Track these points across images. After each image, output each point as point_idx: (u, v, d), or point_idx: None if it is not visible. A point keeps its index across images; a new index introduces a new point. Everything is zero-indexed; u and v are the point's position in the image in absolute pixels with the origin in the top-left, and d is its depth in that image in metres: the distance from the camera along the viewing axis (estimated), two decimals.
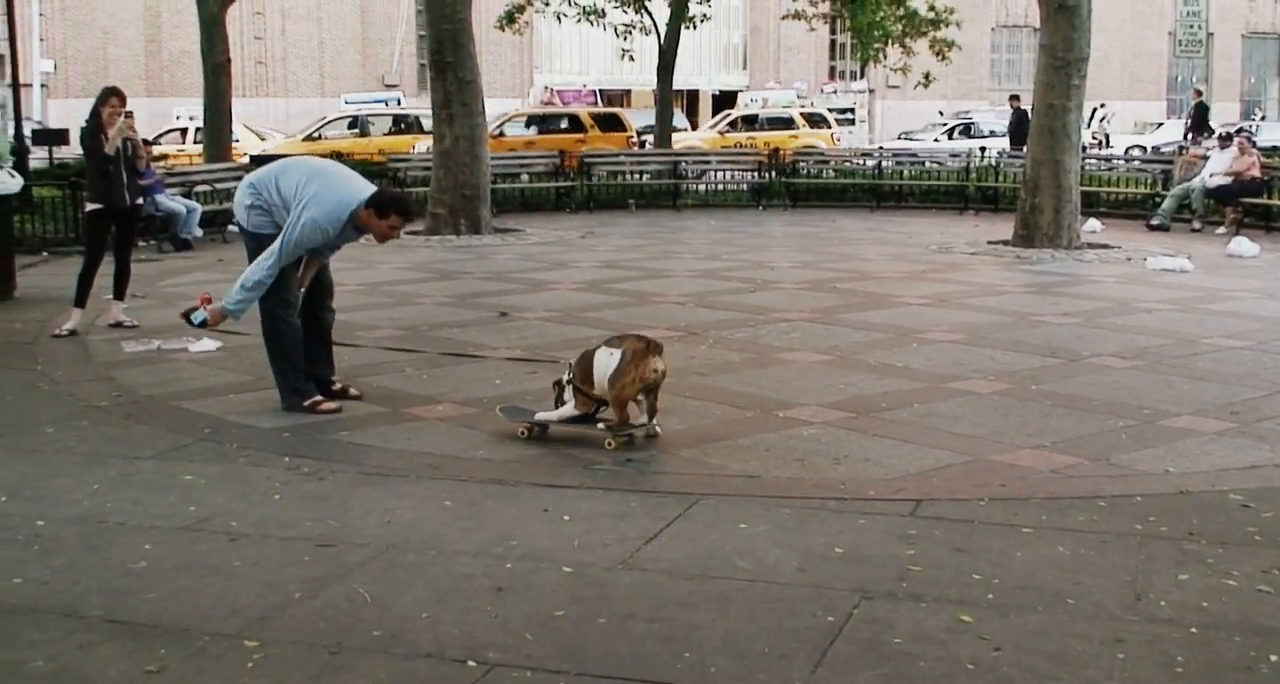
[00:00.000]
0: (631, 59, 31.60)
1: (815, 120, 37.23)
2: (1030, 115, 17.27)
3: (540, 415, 7.22)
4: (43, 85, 37.86)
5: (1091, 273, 14.70)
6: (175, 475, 6.52)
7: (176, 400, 8.22)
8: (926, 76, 26.53)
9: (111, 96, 10.76)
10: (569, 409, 7.13)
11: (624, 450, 6.90)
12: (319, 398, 7.85)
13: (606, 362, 6.89)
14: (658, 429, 7.14)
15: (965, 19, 30.52)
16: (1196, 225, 19.25)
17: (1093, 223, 18.81)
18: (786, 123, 36.74)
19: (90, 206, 10.98)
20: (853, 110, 43.64)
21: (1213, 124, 31.12)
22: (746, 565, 5.20)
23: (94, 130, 10.67)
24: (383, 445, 7.14)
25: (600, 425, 7.02)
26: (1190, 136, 29.73)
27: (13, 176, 13.17)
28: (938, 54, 27.30)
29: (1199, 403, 8.10)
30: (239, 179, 20.20)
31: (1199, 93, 32.19)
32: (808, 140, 33.83)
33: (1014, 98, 30.47)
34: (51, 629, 4.60)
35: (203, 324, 7.91)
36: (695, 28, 29.87)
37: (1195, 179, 19.62)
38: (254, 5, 44.99)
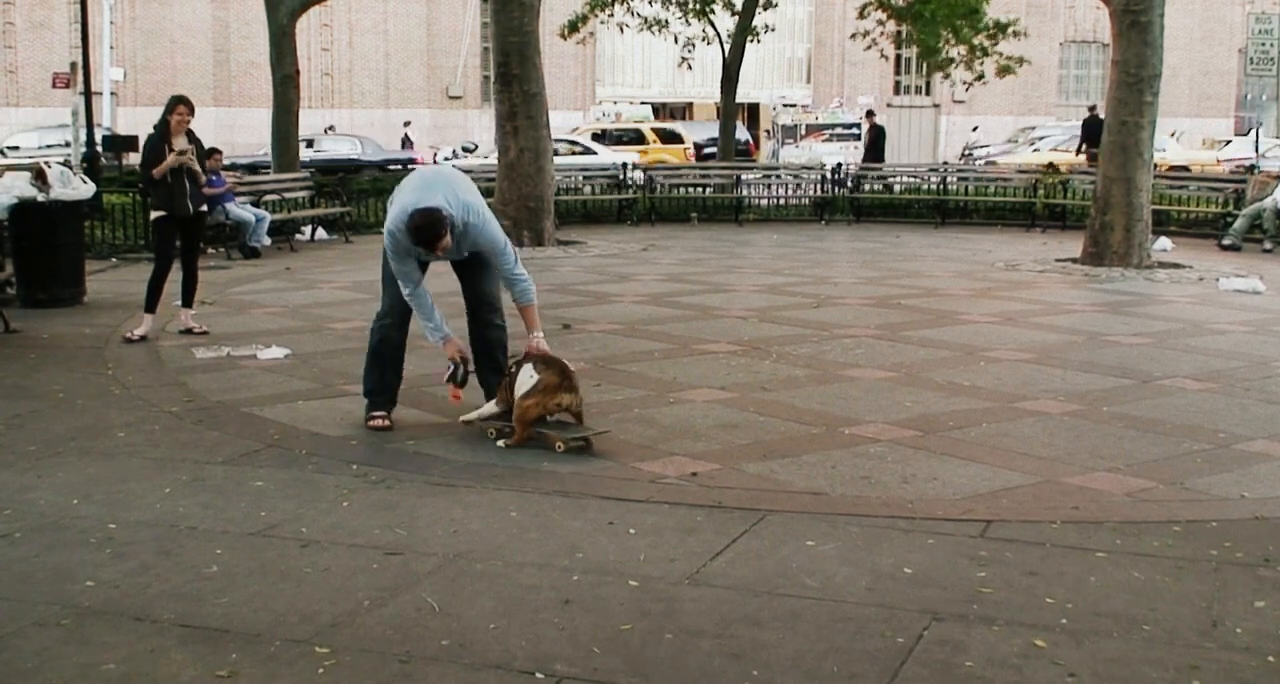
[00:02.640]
0: (690, 67, 31.53)
1: (667, 136, 36.43)
2: (1104, 131, 17.10)
3: (469, 415, 7.56)
4: (113, 93, 38.25)
5: (1163, 293, 14.53)
6: (246, 481, 6.58)
7: (246, 407, 8.29)
8: (1005, 69, 26.57)
9: (179, 104, 10.77)
10: (490, 407, 7.49)
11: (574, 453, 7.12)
12: (376, 413, 7.81)
13: (525, 380, 7.19)
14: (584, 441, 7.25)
15: (1033, 34, 30.40)
16: (1268, 246, 19.00)
17: (1163, 242, 18.62)
18: (636, 138, 35.95)
19: (154, 214, 11.03)
20: (858, 126, 43.47)
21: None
22: (814, 583, 5.17)
23: (158, 139, 10.70)
24: (448, 455, 7.16)
25: (500, 442, 7.30)
26: (1083, 150, 29.49)
27: (85, 183, 13.34)
28: (1004, 71, 27.20)
29: (1274, 427, 7.97)
30: (307, 188, 20.70)
31: (1092, 108, 31.86)
32: (657, 156, 33.26)
33: (870, 113, 30.56)
34: (123, 632, 4.64)
35: (454, 375, 7.66)
36: (759, 40, 29.81)
37: (1268, 199, 19.37)
38: (322, 18, 45.34)
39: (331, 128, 40.63)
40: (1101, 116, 31.43)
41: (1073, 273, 16.16)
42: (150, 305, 10.91)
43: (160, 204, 10.84)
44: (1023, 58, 27.15)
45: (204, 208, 11.40)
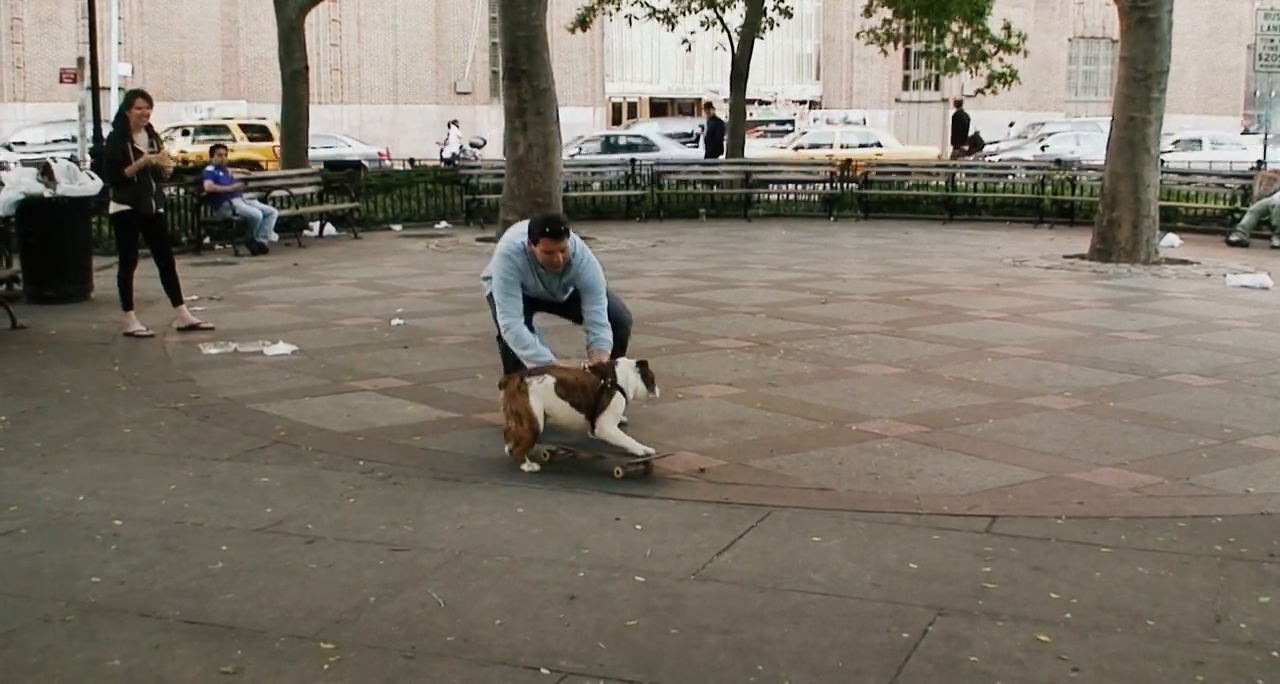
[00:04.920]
0: (689, 49, 31.32)
1: (255, 133, 35.19)
2: (1112, 127, 17.08)
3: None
4: (120, 89, 38.33)
5: (1170, 289, 14.52)
6: (251, 477, 6.59)
7: (253, 403, 8.30)
8: (994, 80, 26.42)
9: (137, 99, 10.70)
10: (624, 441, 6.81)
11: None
12: None
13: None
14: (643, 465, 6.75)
15: (1042, 29, 30.24)
16: (1276, 242, 18.93)
17: (1171, 238, 18.58)
18: (221, 134, 34.13)
19: (115, 208, 10.89)
20: (792, 121, 44.23)
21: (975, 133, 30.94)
22: (820, 579, 5.17)
23: (120, 137, 10.65)
24: (455, 450, 7.17)
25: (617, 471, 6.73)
26: (952, 148, 29.33)
27: (92, 179, 13.36)
28: (996, 80, 27.02)
29: None
30: (316, 184, 20.72)
31: (959, 103, 31.68)
32: (242, 154, 32.01)
33: (708, 106, 30.58)
34: (129, 628, 4.65)
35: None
36: (766, 32, 29.68)
37: (1276, 195, 19.32)
38: (330, 13, 45.35)
39: (454, 122, 40.53)
40: (967, 112, 31.43)
41: (1080, 269, 16.13)
42: (125, 303, 10.90)
43: (126, 200, 10.75)
44: (1016, 72, 26.93)
45: (161, 209, 11.31)
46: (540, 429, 6.73)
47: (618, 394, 6.75)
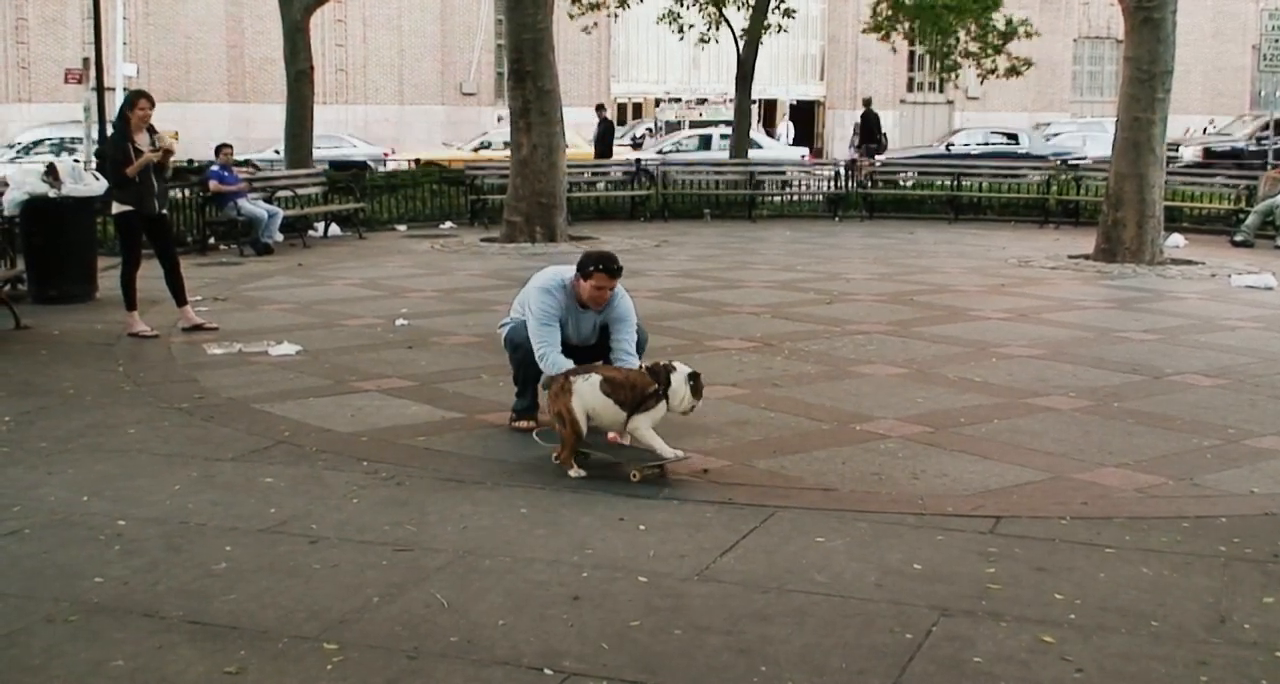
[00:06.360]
0: (705, 41, 31.18)
1: None
2: (1116, 128, 17.07)
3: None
4: (125, 89, 38.31)
5: (1174, 289, 14.50)
6: (255, 478, 6.59)
7: (257, 403, 8.30)
8: (1008, 73, 26.58)
9: (140, 99, 10.74)
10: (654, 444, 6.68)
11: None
12: (515, 417, 7.69)
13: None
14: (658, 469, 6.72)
15: (1047, 30, 30.32)
16: None
17: (1176, 238, 18.55)
18: None
19: (118, 208, 10.89)
20: None
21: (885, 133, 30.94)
22: (823, 579, 5.17)
23: (121, 137, 10.67)
24: (459, 451, 7.17)
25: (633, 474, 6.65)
26: (859, 147, 29.26)
27: (97, 179, 13.37)
28: (1011, 71, 27.10)
29: None
30: (321, 185, 20.70)
31: (867, 102, 31.58)
32: None
33: (600, 107, 30.48)
34: (132, 629, 4.65)
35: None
36: (778, 32, 29.66)
37: (1279, 195, 19.29)
38: (336, 13, 45.34)
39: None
40: (876, 111, 31.42)
41: (1085, 269, 16.11)
42: (129, 303, 10.90)
43: (129, 201, 10.75)
44: (1029, 60, 27.08)
45: (165, 210, 11.28)
46: (583, 432, 6.65)
47: (662, 403, 6.65)
